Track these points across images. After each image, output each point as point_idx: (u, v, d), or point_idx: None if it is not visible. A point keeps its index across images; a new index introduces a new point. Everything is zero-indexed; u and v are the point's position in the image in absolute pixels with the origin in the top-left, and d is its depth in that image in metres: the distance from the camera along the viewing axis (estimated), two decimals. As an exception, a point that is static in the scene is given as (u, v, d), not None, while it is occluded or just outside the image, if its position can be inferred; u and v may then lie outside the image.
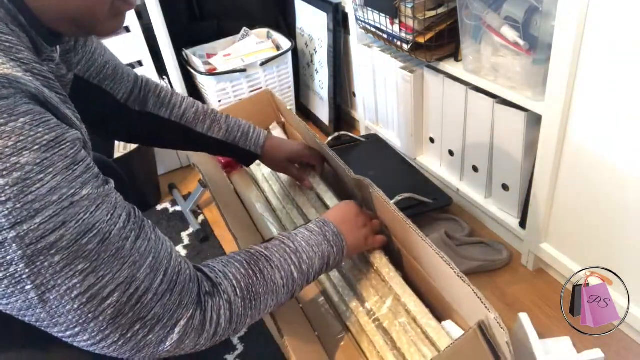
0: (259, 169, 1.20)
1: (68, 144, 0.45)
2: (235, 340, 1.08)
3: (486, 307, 0.59)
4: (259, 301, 0.59)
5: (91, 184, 0.47)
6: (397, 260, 0.82)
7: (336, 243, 0.71)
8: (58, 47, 0.66)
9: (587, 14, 0.75)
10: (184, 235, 1.42)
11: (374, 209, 0.85)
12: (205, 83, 1.60)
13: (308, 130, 1.02)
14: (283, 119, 1.31)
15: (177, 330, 0.51)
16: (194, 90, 1.70)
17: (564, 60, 0.81)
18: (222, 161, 1.23)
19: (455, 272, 0.64)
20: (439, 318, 0.72)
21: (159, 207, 1.55)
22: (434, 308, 0.74)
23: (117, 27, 0.58)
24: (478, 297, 0.60)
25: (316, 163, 1.03)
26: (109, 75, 0.82)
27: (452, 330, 0.70)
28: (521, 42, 0.90)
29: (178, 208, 1.53)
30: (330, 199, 0.97)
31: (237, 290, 0.57)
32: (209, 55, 1.70)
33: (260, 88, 1.64)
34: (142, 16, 1.50)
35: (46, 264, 0.43)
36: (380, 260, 0.80)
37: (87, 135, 0.55)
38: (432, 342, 0.68)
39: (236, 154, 0.97)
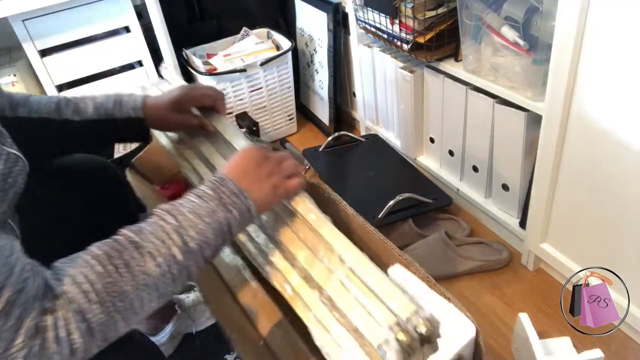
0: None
1: None
2: (235, 340, 1.08)
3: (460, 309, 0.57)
4: (127, 301, 0.49)
5: None
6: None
7: (236, 205, 0.59)
8: None
9: (587, 14, 0.75)
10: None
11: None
12: (205, 83, 1.59)
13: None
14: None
15: None
16: (194, 90, 1.70)
17: (564, 60, 0.81)
18: (168, 194, 1.13)
19: (422, 273, 0.61)
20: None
21: (159, 207, 1.54)
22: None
23: None
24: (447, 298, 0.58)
25: (215, 103, 0.87)
26: None
27: (399, 276, 0.60)
28: (521, 42, 0.90)
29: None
30: (239, 142, 0.84)
31: (92, 295, 0.47)
32: (209, 55, 1.70)
33: (261, 88, 1.64)
34: (142, 16, 1.50)
35: None
36: (304, 205, 0.68)
37: None
38: (375, 294, 0.57)
39: (117, 129, 0.82)
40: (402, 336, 0.51)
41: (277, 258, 0.69)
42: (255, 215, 0.62)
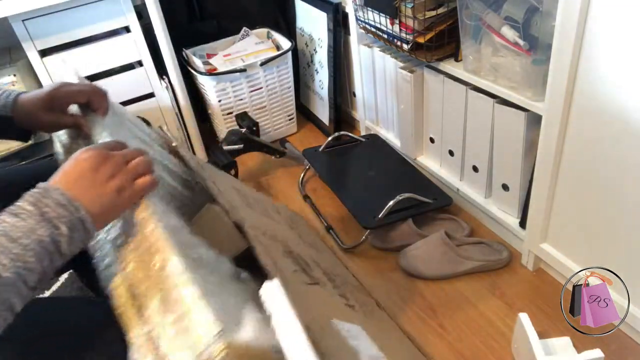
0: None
1: None
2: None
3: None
4: None
5: None
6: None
7: (64, 218, 0.50)
8: None
9: (587, 13, 0.75)
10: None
11: None
12: (205, 83, 1.60)
13: None
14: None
15: None
16: (194, 90, 1.70)
17: (564, 60, 0.81)
18: None
19: None
20: None
21: (159, 207, 1.54)
22: None
23: None
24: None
25: (90, 101, 0.78)
26: None
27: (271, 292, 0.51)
28: (521, 42, 0.90)
29: (178, 208, 1.52)
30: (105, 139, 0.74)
31: None
32: (209, 55, 1.70)
33: (261, 88, 1.64)
34: (142, 16, 1.50)
35: None
36: (144, 212, 0.59)
37: None
38: (189, 314, 0.47)
39: None
40: None
41: (111, 272, 0.59)
42: (93, 228, 0.53)
